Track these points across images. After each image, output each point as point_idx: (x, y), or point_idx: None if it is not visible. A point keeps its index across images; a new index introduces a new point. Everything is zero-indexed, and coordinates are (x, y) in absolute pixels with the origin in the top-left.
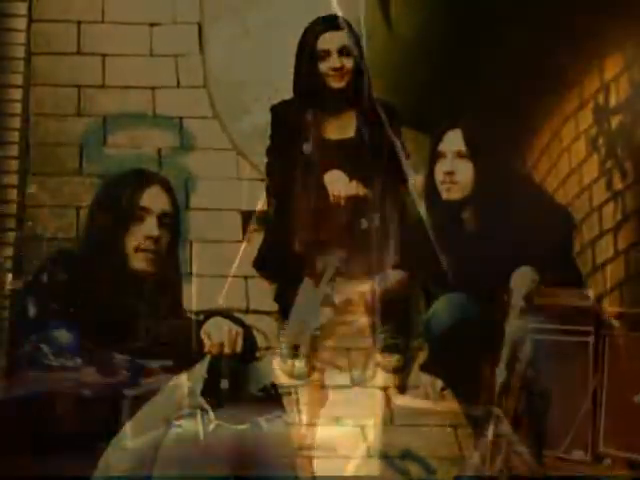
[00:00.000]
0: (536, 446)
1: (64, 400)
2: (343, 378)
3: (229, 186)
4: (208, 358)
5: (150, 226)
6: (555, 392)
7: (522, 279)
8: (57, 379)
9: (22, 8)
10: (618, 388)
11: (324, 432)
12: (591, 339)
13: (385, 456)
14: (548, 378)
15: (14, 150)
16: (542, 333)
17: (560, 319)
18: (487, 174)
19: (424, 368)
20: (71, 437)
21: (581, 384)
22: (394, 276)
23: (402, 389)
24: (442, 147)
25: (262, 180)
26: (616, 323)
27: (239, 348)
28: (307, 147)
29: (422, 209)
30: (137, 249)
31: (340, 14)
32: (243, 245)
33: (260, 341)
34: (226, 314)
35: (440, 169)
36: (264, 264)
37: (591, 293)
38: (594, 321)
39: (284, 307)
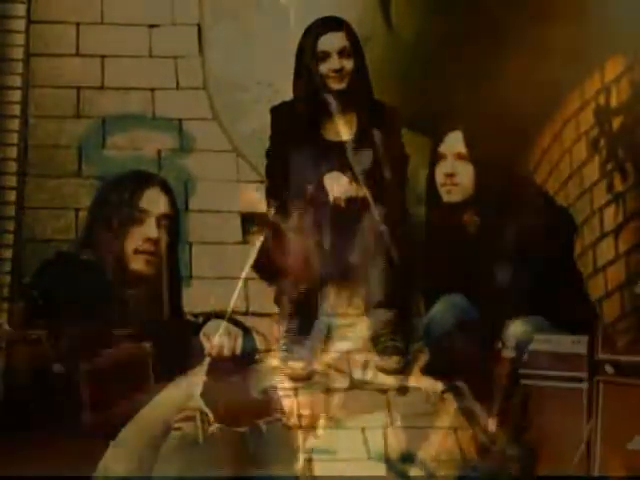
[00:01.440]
0: None
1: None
2: (343, 380)
3: (229, 188)
4: (208, 360)
5: (149, 228)
6: (549, 439)
7: (515, 330)
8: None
9: (21, 9)
10: (612, 435)
11: (324, 435)
12: (585, 385)
13: (386, 459)
14: (541, 425)
15: (13, 152)
16: (535, 379)
17: (553, 365)
18: (488, 176)
19: (424, 370)
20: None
21: (575, 431)
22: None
23: (402, 391)
24: (442, 149)
25: (262, 182)
26: (610, 370)
27: (239, 350)
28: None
29: (422, 211)
30: (136, 251)
31: (340, 15)
32: (243, 247)
33: (260, 343)
34: (226, 316)
35: (440, 171)
36: (264, 266)
37: (584, 339)
38: (588, 367)
39: (284, 309)
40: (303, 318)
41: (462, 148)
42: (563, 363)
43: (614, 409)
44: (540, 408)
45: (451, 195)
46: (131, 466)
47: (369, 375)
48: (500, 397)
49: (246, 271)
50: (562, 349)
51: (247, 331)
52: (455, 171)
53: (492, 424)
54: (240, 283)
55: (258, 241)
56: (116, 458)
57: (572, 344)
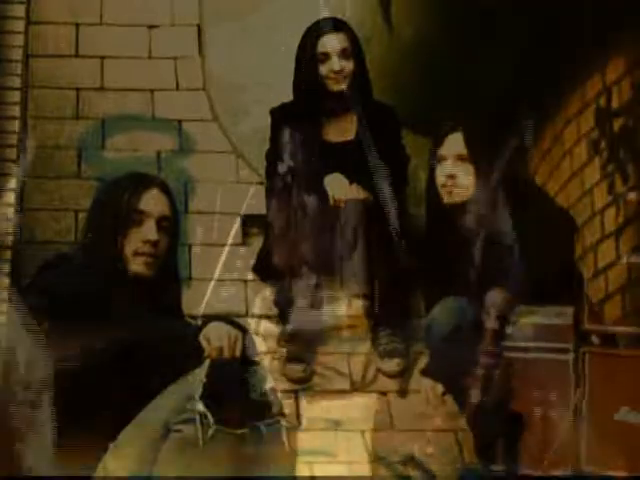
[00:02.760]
0: (512, 466)
1: None
2: (343, 382)
3: (229, 189)
4: (207, 362)
5: (149, 230)
6: (535, 411)
7: (494, 300)
8: None
9: (20, 10)
10: (599, 406)
11: (324, 437)
12: (571, 356)
13: (386, 461)
14: (528, 397)
15: (12, 153)
16: (520, 351)
17: (539, 337)
18: (488, 177)
19: (425, 372)
20: None
21: (562, 402)
22: None
23: (403, 393)
24: (443, 150)
25: (262, 183)
26: (596, 340)
27: (238, 352)
28: (282, 167)
29: (423, 212)
30: (136, 253)
31: (340, 16)
32: (243, 249)
33: (260, 345)
34: (226, 318)
35: (441, 172)
36: (264, 268)
37: (570, 310)
38: (573, 338)
39: (284, 311)
40: (303, 320)
41: (463, 149)
42: (548, 334)
43: (600, 380)
44: (525, 380)
45: (452, 196)
46: (131, 468)
47: (369, 377)
48: (483, 368)
49: (242, 273)
50: (547, 320)
51: (247, 333)
52: (456, 172)
53: (475, 395)
54: (228, 284)
55: (258, 243)
56: (116, 460)
57: (557, 315)
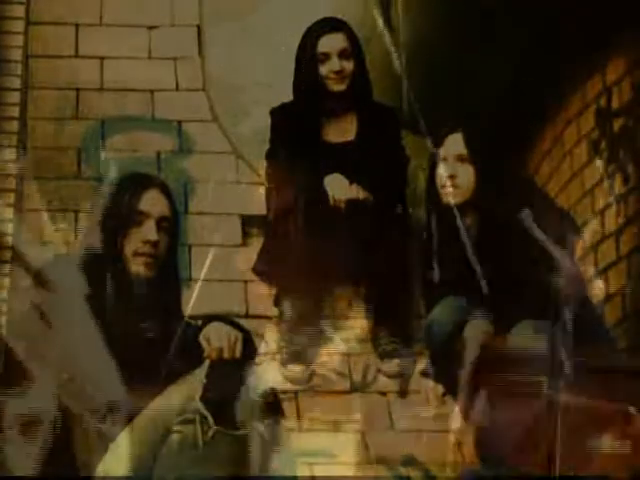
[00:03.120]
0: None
1: None
2: (343, 383)
3: (228, 190)
4: (207, 363)
5: (149, 230)
6: (510, 439)
7: (474, 330)
8: None
9: (20, 10)
10: (573, 435)
11: (324, 438)
12: (545, 386)
13: (386, 462)
14: (502, 423)
15: (11, 153)
16: (496, 381)
17: (514, 366)
18: (488, 178)
19: (425, 373)
20: None
21: (536, 430)
22: None
23: (403, 394)
24: (443, 151)
25: (262, 184)
26: (568, 369)
27: (238, 353)
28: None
29: (423, 213)
30: (136, 253)
31: (340, 16)
32: (242, 249)
33: (260, 346)
34: (225, 319)
35: (441, 173)
36: (264, 269)
37: (546, 339)
38: (548, 367)
39: (284, 312)
40: (303, 320)
41: (462, 150)
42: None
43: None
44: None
45: (451, 197)
46: (130, 468)
47: (369, 377)
48: (463, 397)
49: (242, 273)
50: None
51: (247, 334)
52: (455, 173)
53: (440, 389)
54: (228, 284)
55: (258, 243)
56: (115, 461)
57: (534, 342)
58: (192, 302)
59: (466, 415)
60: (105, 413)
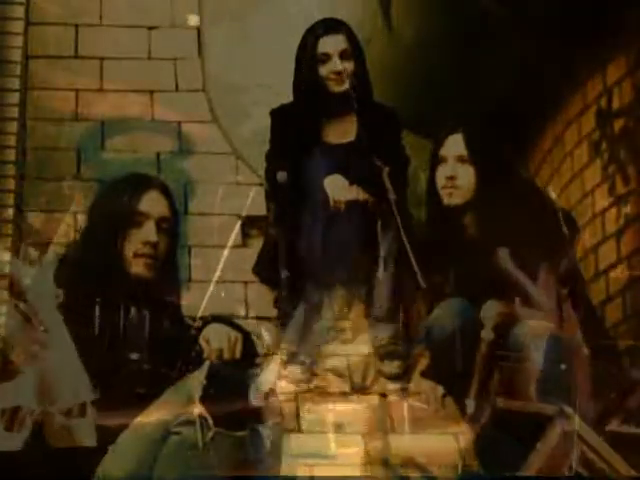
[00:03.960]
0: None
1: None
2: (343, 385)
3: (228, 191)
4: (207, 364)
5: (148, 231)
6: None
7: (489, 311)
8: None
9: (19, 11)
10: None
11: (324, 439)
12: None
13: (386, 463)
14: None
15: (11, 154)
16: (516, 362)
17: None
18: (489, 179)
19: (425, 374)
20: None
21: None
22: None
23: (403, 396)
24: (443, 151)
25: (261, 185)
26: (586, 351)
27: (238, 354)
28: (282, 175)
29: (423, 214)
30: (135, 254)
31: (340, 17)
32: (242, 250)
33: (260, 347)
34: (225, 320)
35: (441, 174)
36: (264, 270)
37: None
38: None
39: (284, 313)
40: (303, 321)
41: (463, 151)
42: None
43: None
44: (519, 389)
45: (452, 198)
46: (130, 470)
47: (369, 379)
48: (478, 379)
49: (242, 274)
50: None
51: (247, 335)
52: (456, 174)
53: (471, 406)
54: (228, 285)
55: (258, 244)
56: (115, 462)
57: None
58: (205, 302)
59: (480, 395)
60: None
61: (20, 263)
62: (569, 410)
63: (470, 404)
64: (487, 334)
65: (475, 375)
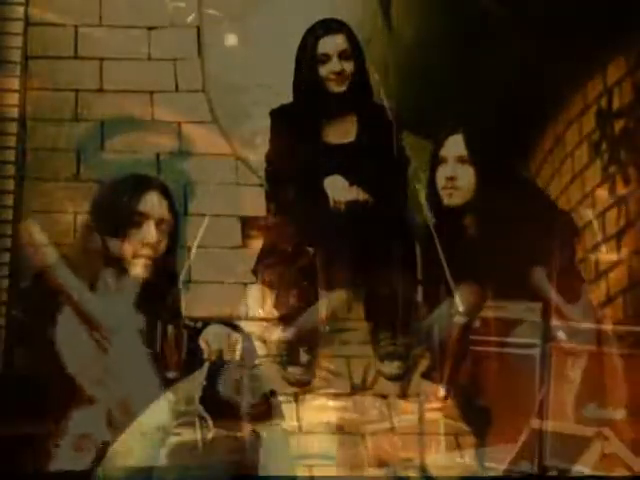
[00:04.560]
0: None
1: None
2: (343, 386)
3: (228, 191)
4: (207, 365)
5: (148, 232)
6: (501, 405)
7: (463, 294)
8: None
9: (19, 11)
10: (564, 400)
11: (324, 440)
12: (537, 351)
13: (386, 465)
14: (494, 390)
15: (10, 155)
16: (488, 345)
17: (506, 332)
18: (489, 179)
19: (425, 375)
20: None
21: (528, 397)
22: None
23: (403, 396)
24: (443, 152)
25: (261, 186)
26: (562, 335)
27: (238, 355)
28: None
29: (423, 214)
30: (135, 255)
31: (340, 17)
32: (242, 251)
33: (259, 348)
34: (225, 321)
35: (441, 174)
36: (263, 270)
37: (538, 306)
38: (541, 334)
39: (284, 314)
40: (303, 323)
41: (463, 151)
42: (516, 330)
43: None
44: (493, 374)
45: (452, 198)
46: (130, 471)
47: (370, 380)
48: (450, 363)
49: (242, 275)
50: (515, 316)
51: (246, 336)
52: (456, 174)
53: (441, 391)
54: (228, 286)
55: (258, 245)
56: (115, 463)
57: (525, 311)
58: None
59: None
60: None
61: (94, 293)
62: (608, 432)
63: (441, 389)
64: (459, 318)
65: (447, 359)
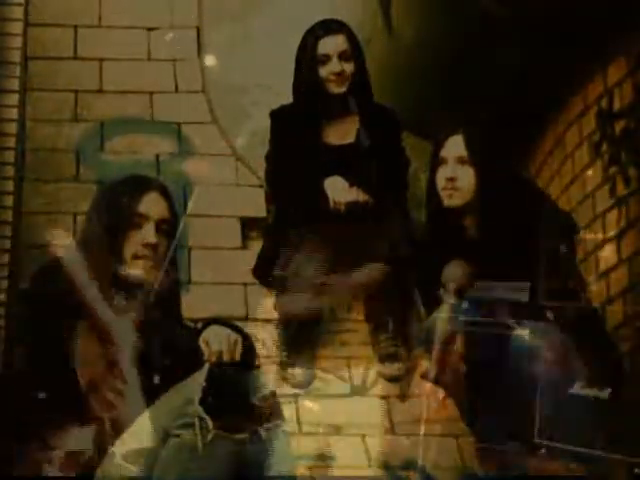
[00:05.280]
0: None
1: None
2: (343, 387)
3: (228, 192)
4: (207, 366)
5: (148, 233)
6: (491, 384)
7: (452, 273)
8: None
9: (18, 12)
10: (554, 380)
11: (324, 442)
12: (527, 332)
13: (386, 466)
14: (484, 371)
15: (10, 156)
16: (477, 326)
17: (496, 312)
18: (489, 180)
19: (425, 377)
20: None
21: (517, 376)
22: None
23: (403, 398)
24: (444, 153)
25: (261, 186)
26: (551, 316)
27: (238, 356)
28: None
29: (423, 215)
30: (134, 256)
31: (340, 18)
32: (242, 252)
33: (259, 349)
34: (225, 322)
35: (441, 175)
36: (263, 271)
37: (527, 286)
38: (530, 314)
39: (284, 315)
40: (303, 324)
41: (463, 152)
42: (505, 310)
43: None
44: (481, 354)
45: (452, 199)
46: (129, 472)
47: (370, 381)
48: (439, 343)
49: (242, 276)
50: (504, 296)
51: (246, 337)
52: (456, 175)
53: (432, 371)
54: (228, 287)
55: (258, 246)
56: (114, 464)
57: (514, 291)
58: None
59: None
60: None
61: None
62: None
63: (432, 369)
64: (449, 298)
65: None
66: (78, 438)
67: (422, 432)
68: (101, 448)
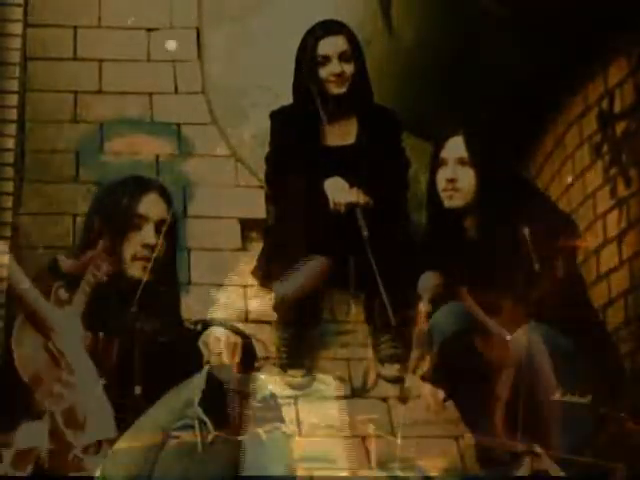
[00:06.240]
0: None
1: None
2: (343, 388)
3: (228, 193)
4: (207, 368)
5: (147, 234)
6: (474, 385)
7: (427, 284)
8: None
9: (18, 13)
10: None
11: (324, 443)
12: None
13: (386, 467)
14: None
15: (9, 157)
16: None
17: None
18: (489, 181)
19: (425, 378)
20: None
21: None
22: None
23: (403, 399)
24: (444, 154)
25: (261, 187)
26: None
27: (238, 358)
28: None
29: (423, 216)
30: (134, 257)
31: (340, 19)
32: (242, 253)
33: (259, 351)
34: (225, 323)
35: (442, 176)
36: (263, 273)
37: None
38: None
39: (284, 316)
40: (303, 325)
41: (463, 153)
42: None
43: None
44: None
45: (452, 200)
46: (129, 473)
47: (370, 382)
48: (417, 350)
49: (242, 278)
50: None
51: (246, 338)
52: (456, 176)
53: (411, 378)
54: (228, 289)
55: (257, 247)
56: (114, 465)
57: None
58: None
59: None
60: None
61: (49, 303)
62: (538, 449)
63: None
64: (424, 306)
65: (413, 350)
66: (30, 434)
67: (422, 434)
68: (57, 442)
